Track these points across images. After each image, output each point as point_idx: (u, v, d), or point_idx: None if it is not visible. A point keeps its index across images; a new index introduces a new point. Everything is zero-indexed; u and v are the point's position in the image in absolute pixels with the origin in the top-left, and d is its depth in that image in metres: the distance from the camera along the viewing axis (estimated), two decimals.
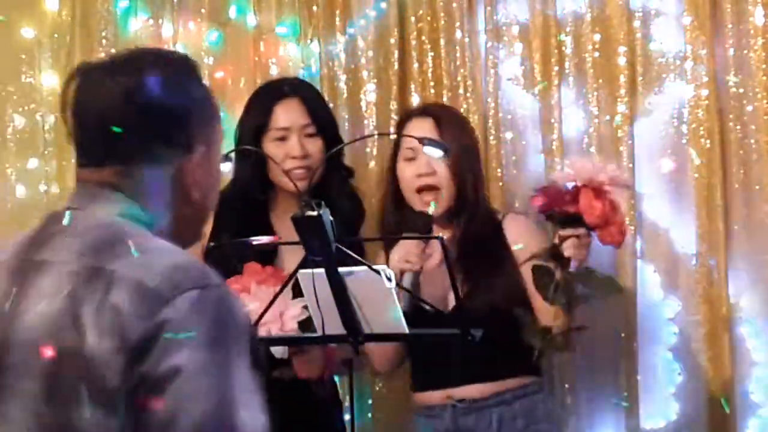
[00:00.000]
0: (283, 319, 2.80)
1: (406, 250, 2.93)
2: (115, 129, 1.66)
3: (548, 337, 2.88)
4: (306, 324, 2.88)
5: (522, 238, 3.11)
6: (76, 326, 1.55)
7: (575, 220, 2.83)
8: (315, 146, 3.17)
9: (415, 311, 2.73)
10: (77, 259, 1.62)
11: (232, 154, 3.06)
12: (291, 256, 3.04)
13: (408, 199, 3.15)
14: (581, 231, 2.83)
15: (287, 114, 3.18)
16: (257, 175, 3.16)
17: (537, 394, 3.12)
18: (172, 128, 1.70)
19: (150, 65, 1.71)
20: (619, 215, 2.86)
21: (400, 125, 3.24)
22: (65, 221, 1.69)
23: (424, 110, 3.27)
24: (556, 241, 2.85)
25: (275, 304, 2.69)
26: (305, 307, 2.82)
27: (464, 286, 3.00)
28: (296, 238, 2.87)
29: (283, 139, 3.16)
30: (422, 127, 3.12)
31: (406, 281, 2.87)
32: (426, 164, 3.11)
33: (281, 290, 2.69)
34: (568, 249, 2.83)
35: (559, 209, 2.84)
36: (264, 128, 3.17)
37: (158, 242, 1.65)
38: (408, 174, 3.14)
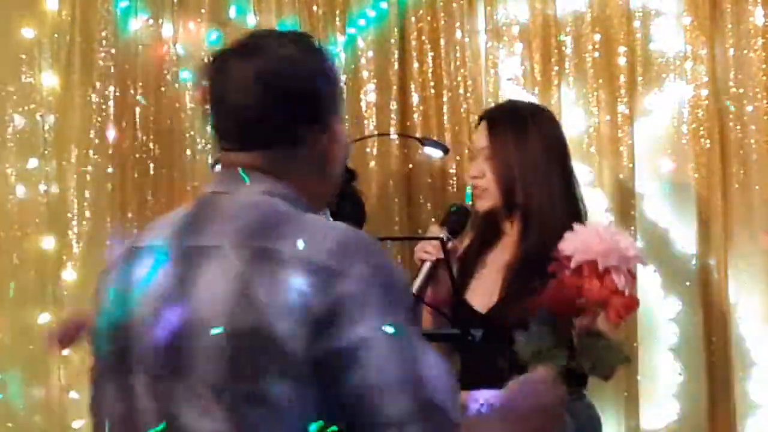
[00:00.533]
0: None
1: (426, 240, 2.95)
2: (255, 113, 1.72)
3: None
4: None
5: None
6: (253, 306, 1.60)
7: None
8: None
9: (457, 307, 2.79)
10: (241, 241, 1.65)
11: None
12: None
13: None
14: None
15: None
16: None
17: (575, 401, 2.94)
18: (307, 106, 1.74)
19: (279, 46, 1.76)
20: (621, 295, 2.44)
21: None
22: (218, 205, 1.73)
23: (485, 114, 3.11)
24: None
25: None
26: None
27: (503, 290, 2.94)
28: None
29: None
30: (479, 132, 3.01)
31: (424, 270, 2.89)
32: (475, 167, 3.03)
33: None
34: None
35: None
36: None
37: (315, 218, 1.70)
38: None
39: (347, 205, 3.21)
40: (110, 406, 1.74)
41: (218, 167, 1.79)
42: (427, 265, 2.92)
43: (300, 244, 1.62)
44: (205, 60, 1.75)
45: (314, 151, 1.76)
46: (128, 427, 1.70)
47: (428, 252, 2.91)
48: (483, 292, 2.94)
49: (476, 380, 3.03)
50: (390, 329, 1.59)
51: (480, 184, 2.99)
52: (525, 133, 2.94)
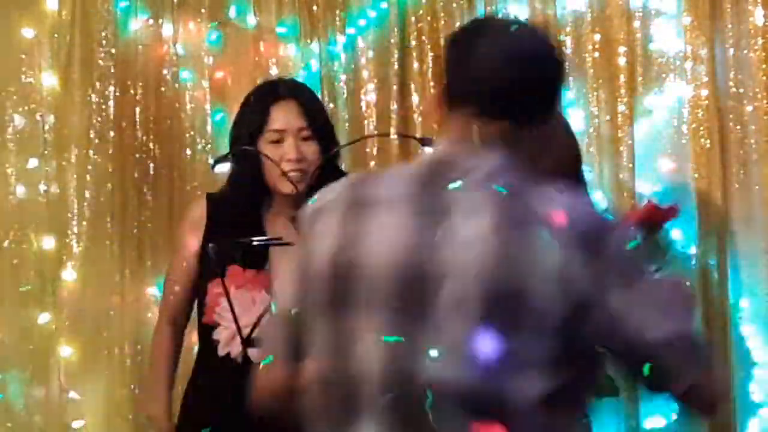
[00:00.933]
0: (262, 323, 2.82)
1: None
2: (512, 88, 1.85)
3: None
4: None
5: None
6: (511, 264, 1.73)
7: None
8: (310, 149, 3.16)
9: None
10: (495, 200, 1.78)
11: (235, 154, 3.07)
12: (282, 261, 3.06)
13: None
14: None
15: (283, 116, 3.16)
16: (254, 177, 3.16)
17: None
18: (554, 88, 1.90)
19: (535, 31, 1.96)
20: None
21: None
22: (458, 165, 1.83)
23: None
24: None
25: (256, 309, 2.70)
26: None
27: None
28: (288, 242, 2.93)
29: (278, 141, 3.15)
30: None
31: None
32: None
33: None
34: None
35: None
36: (259, 130, 3.16)
37: (545, 187, 1.82)
38: None
39: None
40: (337, 345, 1.81)
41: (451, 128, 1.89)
42: None
43: (543, 205, 1.76)
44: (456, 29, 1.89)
45: (544, 131, 1.89)
46: (356, 367, 1.79)
47: None
48: None
49: None
50: (630, 286, 1.75)
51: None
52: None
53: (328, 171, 3.18)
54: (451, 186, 1.81)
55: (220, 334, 3.04)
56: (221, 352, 3.04)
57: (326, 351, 1.84)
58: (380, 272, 1.79)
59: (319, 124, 3.19)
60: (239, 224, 3.12)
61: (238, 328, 2.71)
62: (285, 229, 3.13)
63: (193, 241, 3.18)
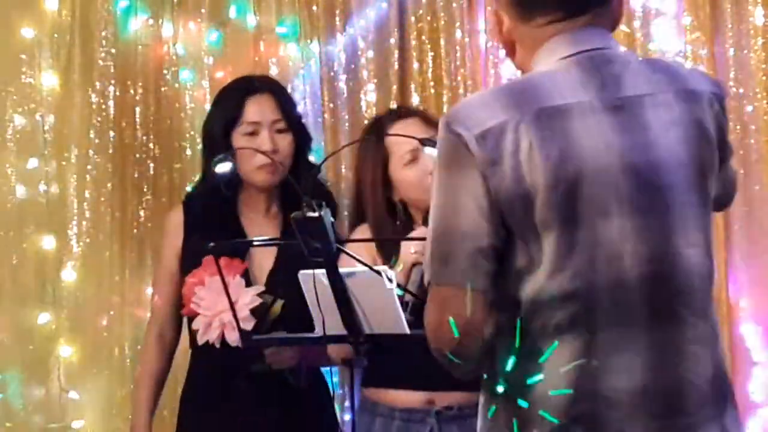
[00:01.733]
0: (236, 306, 2.85)
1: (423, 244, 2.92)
2: None
3: None
4: (258, 310, 2.96)
5: None
6: (704, 139, 1.93)
7: None
8: (285, 142, 3.20)
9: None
10: (666, 87, 1.94)
11: (233, 154, 3.08)
12: (262, 255, 3.13)
13: (417, 202, 3.11)
14: None
15: (259, 108, 3.19)
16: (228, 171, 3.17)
17: None
18: None
19: None
20: None
21: (380, 130, 3.15)
22: (612, 59, 1.97)
23: (406, 111, 3.26)
24: None
25: (230, 293, 2.73)
26: (259, 295, 2.98)
27: None
28: (264, 237, 3.07)
29: (253, 133, 3.17)
30: (414, 128, 3.06)
31: (416, 274, 2.87)
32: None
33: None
34: None
35: None
36: (234, 122, 3.18)
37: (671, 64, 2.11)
38: (413, 177, 3.08)
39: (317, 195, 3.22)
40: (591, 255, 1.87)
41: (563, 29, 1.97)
42: (418, 269, 2.91)
43: (701, 81, 1.99)
44: None
45: (615, 13, 2.04)
46: (612, 270, 1.87)
47: (416, 252, 2.91)
48: None
49: None
50: None
51: None
52: None
53: (299, 164, 3.21)
54: (625, 85, 1.92)
55: (199, 323, 3.06)
56: (200, 340, 3.07)
57: (575, 260, 1.87)
58: (611, 179, 1.87)
59: (292, 116, 3.23)
60: (216, 224, 3.15)
61: (233, 308, 2.75)
62: (264, 222, 3.15)
63: (171, 252, 3.22)
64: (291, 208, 3.06)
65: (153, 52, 3.95)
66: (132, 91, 3.93)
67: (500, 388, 1.90)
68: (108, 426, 3.90)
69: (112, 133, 3.92)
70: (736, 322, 3.50)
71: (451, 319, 1.85)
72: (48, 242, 3.90)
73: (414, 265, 2.87)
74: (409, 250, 2.91)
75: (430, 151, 2.91)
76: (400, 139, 3.00)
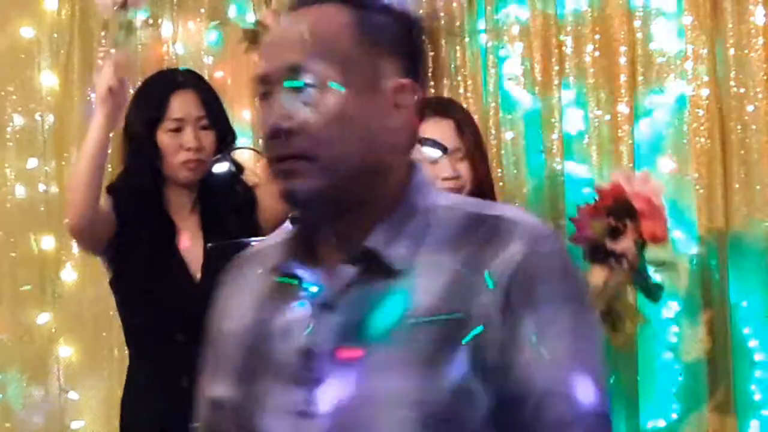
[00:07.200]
0: None
1: None
2: None
3: None
4: None
5: None
6: None
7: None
8: (208, 139, 3.18)
9: None
10: None
11: (232, 153, 3.08)
12: (189, 242, 3.14)
13: None
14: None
15: (183, 105, 3.16)
16: (150, 167, 3.16)
17: None
18: None
19: None
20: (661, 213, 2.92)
21: None
22: None
23: (444, 110, 3.15)
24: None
25: None
26: None
27: None
28: (196, 233, 3.11)
29: (177, 130, 3.15)
30: (442, 130, 2.94)
31: None
32: (448, 167, 3.00)
33: None
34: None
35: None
36: (158, 119, 3.16)
37: None
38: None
39: (237, 190, 3.20)
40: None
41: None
42: None
43: None
44: None
45: None
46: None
47: None
48: None
49: None
50: None
51: (455, 185, 2.99)
52: (480, 134, 3.07)
53: (222, 160, 3.18)
54: None
55: None
56: None
57: None
58: None
59: (216, 113, 3.22)
60: (149, 219, 3.14)
61: None
62: (189, 218, 3.15)
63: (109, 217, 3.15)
64: (208, 204, 3.13)
65: (153, 51, 3.95)
66: (132, 91, 3.93)
67: None
68: (108, 426, 3.89)
69: (111, 133, 3.91)
70: (736, 322, 3.50)
71: None
72: (48, 242, 3.90)
73: None
74: None
75: (429, 152, 2.89)
76: None
